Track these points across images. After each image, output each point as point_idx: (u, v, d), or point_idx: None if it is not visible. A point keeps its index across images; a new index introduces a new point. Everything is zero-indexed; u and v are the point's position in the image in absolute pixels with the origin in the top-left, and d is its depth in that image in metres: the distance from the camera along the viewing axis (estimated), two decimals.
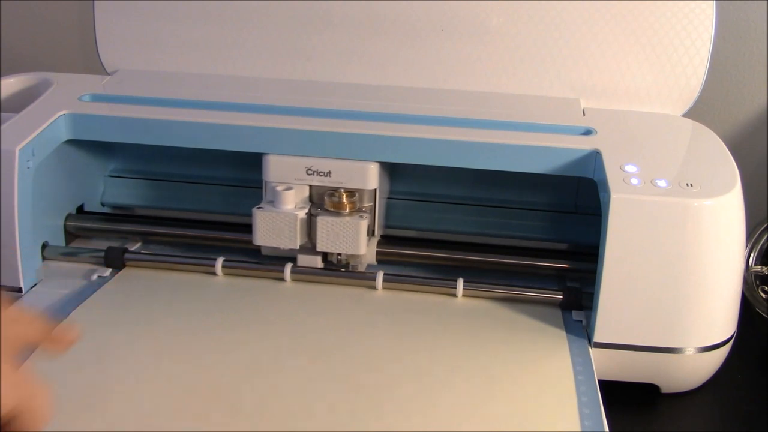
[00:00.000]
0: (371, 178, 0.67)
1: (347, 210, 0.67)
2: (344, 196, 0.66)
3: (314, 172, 0.66)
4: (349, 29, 0.76)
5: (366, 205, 0.68)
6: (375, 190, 0.68)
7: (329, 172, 0.66)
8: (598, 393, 0.55)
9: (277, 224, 0.66)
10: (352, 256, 0.68)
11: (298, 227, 0.66)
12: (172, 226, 0.74)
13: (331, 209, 0.67)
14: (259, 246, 0.68)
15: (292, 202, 0.67)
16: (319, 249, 0.67)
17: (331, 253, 0.68)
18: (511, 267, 0.70)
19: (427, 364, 0.58)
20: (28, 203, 0.66)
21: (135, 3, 0.78)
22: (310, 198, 0.68)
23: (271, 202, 0.67)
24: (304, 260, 0.69)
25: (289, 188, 0.67)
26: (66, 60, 1.00)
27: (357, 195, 0.67)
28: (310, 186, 0.67)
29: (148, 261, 0.70)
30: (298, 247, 0.67)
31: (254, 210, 0.67)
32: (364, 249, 0.67)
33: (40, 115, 0.68)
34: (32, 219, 0.66)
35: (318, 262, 0.69)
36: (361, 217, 0.66)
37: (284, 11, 0.77)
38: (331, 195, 0.67)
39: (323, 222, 0.66)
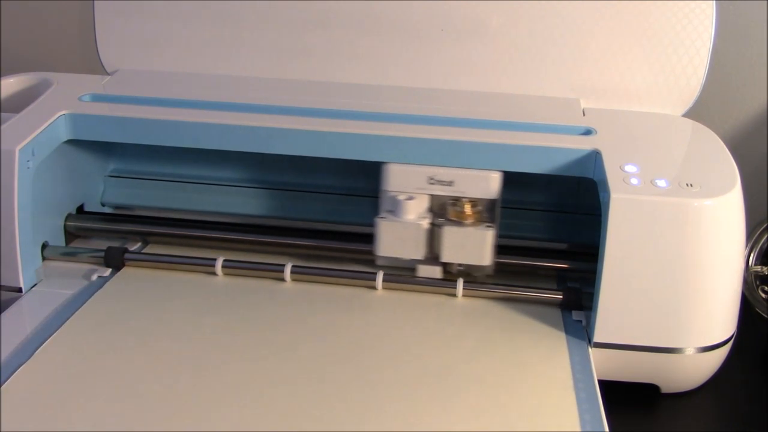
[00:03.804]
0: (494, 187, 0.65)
1: (471, 220, 0.65)
2: (467, 205, 0.65)
3: (436, 181, 0.65)
4: (349, 29, 0.76)
5: (486, 214, 0.66)
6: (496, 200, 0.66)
7: (453, 182, 0.65)
8: (598, 393, 0.55)
9: (400, 234, 0.65)
10: (474, 266, 0.67)
11: (423, 238, 0.66)
12: (172, 226, 0.74)
13: (455, 219, 0.65)
14: (378, 255, 0.67)
15: (414, 212, 0.66)
16: (444, 260, 0.66)
17: (452, 264, 0.67)
18: (511, 267, 0.70)
19: (427, 364, 0.58)
20: (28, 203, 0.66)
21: (135, 3, 0.78)
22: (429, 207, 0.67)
23: (391, 212, 0.66)
24: (424, 271, 0.68)
25: (410, 198, 0.65)
26: (66, 60, 1.00)
27: (480, 205, 0.65)
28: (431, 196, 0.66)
29: (148, 261, 0.70)
30: (422, 258, 0.67)
31: (377, 220, 0.65)
32: (490, 260, 0.66)
33: (40, 115, 0.68)
34: (32, 219, 0.66)
35: (438, 272, 0.68)
36: (488, 227, 0.65)
37: (284, 11, 0.77)
38: (454, 204, 0.65)
39: (449, 232, 0.65)
